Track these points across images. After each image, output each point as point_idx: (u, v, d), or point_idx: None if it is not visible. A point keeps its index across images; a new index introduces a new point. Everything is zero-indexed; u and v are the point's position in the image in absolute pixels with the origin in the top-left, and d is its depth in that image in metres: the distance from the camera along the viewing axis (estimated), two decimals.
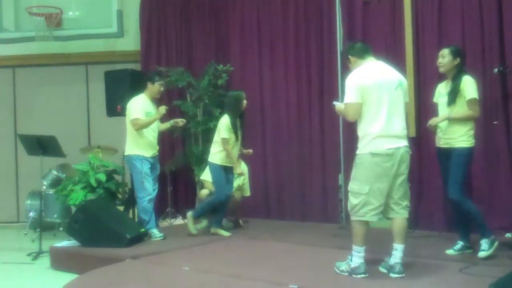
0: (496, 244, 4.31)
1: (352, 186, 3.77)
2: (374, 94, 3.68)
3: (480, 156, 5.34)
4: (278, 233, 5.78)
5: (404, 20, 5.59)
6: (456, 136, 4.35)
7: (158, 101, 5.94)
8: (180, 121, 5.81)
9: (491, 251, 4.27)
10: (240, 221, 6.21)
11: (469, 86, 4.33)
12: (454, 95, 4.35)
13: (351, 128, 5.89)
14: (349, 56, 3.97)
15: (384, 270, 3.87)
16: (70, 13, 8.13)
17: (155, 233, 5.54)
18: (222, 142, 5.52)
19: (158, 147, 5.78)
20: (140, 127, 5.53)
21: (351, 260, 3.77)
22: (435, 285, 3.60)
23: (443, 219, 5.40)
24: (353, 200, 3.75)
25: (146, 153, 5.58)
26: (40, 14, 7.61)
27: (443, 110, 4.44)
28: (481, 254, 4.27)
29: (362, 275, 3.70)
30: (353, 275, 3.71)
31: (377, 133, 3.66)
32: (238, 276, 3.99)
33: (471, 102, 4.32)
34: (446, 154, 4.38)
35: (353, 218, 3.78)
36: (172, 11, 7.55)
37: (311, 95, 6.55)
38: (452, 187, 4.34)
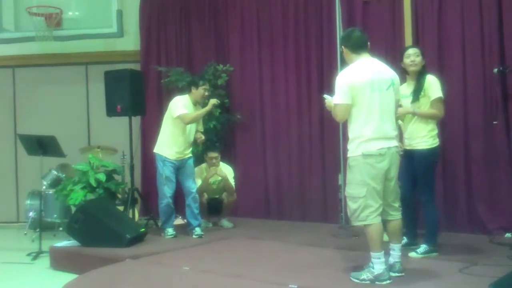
0: (434, 255, 4.31)
1: (349, 190, 3.69)
2: (365, 95, 3.57)
3: (480, 156, 5.36)
4: (278, 233, 5.77)
5: (404, 20, 5.59)
6: (418, 136, 4.36)
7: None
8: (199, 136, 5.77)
9: (420, 256, 4.31)
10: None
11: (435, 85, 4.36)
12: (418, 92, 4.36)
13: None
14: (343, 47, 3.81)
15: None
16: (70, 13, 8.12)
17: (168, 231, 5.59)
18: None
19: (190, 150, 5.73)
20: (190, 120, 5.52)
21: (373, 268, 3.60)
22: (435, 285, 3.60)
23: (443, 219, 5.39)
24: (352, 205, 3.66)
25: (170, 154, 5.54)
26: (40, 14, 7.60)
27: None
28: (412, 254, 4.32)
29: (387, 281, 3.57)
30: (377, 282, 3.57)
31: (369, 136, 3.57)
32: (238, 276, 3.99)
33: (436, 101, 4.34)
34: (410, 155, 4.37)
35: (354, 223, 3.74)
36: (172, 11, 7.54)
37: (311, 95, 6.55)
38: (423, 189, 4.38)
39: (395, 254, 3.75)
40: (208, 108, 5.59)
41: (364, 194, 3.58)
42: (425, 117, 4.36)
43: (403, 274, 3.71)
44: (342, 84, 3.62)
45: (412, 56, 4.45)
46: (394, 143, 3.68)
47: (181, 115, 5.46)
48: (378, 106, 3.59)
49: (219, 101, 5.70)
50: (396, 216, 3.76)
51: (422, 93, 4.36)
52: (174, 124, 5.54)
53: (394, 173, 3.69)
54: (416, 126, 4.38)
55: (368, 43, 3.83)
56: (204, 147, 6.33)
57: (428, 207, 4.42)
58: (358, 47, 3.74)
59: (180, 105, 5.52)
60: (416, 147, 4.35)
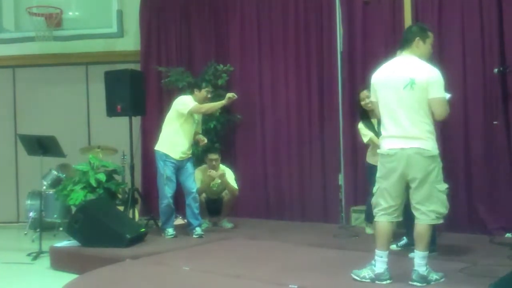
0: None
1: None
2: (381, 93, 3.67)
3: (480, 156, 5.36)
4: (278, 233, 5.78)
5: (404, 20, 5.58)
6: None
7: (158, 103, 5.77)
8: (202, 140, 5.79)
9: None
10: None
11: None
12: None
13: (351, 128, 5.91)
14: None
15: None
16: (70, 13, 8.12)
17: (168, 231, 5.59)
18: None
19: (191, 150, 5.76)
20: (206, 109, 5.62)
21: (374, 266, 3.59)
22: (435, 285, 3.59)
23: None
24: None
25: (173, 153, 5.53)
26: (40, 14, 7.60)
27: None
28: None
29: (387, 281, 3.55)
30: (377, 282, 3.54)
31: (384, 134, 3.68)
32: (238, 276, 3.99)
33: None
34: None
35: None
36: (172, 11, 7.55)
37: (311, 95, 6.54)
38: None
39: (415, 261, 3.56)
40: (224, 101, 5.54)
41: (375, 191, 3.70)
42: None
43: (415, 283, 3.51)
44: (371, 82, 3.80)
45: None
46: (413, 143, 3.49)
47: (195, 106, 5.50)
48: (394, 105, 3.58)
49: (236, 96, 5.57)
50: (419, 220, 3.54)
51: None
52: (179, 124, 5.55)
53: (414, 175, 3.49)
54: None
55: (410, 39, 3.66)
56: (204, 148, 6.33)
57: None
58: (400, 47, 3.78)
59: (189, 100, 5.56)
60: None
